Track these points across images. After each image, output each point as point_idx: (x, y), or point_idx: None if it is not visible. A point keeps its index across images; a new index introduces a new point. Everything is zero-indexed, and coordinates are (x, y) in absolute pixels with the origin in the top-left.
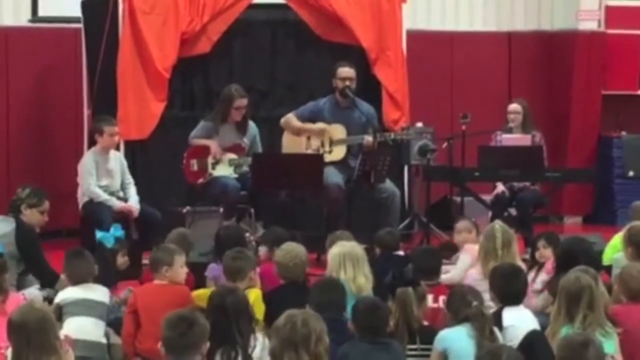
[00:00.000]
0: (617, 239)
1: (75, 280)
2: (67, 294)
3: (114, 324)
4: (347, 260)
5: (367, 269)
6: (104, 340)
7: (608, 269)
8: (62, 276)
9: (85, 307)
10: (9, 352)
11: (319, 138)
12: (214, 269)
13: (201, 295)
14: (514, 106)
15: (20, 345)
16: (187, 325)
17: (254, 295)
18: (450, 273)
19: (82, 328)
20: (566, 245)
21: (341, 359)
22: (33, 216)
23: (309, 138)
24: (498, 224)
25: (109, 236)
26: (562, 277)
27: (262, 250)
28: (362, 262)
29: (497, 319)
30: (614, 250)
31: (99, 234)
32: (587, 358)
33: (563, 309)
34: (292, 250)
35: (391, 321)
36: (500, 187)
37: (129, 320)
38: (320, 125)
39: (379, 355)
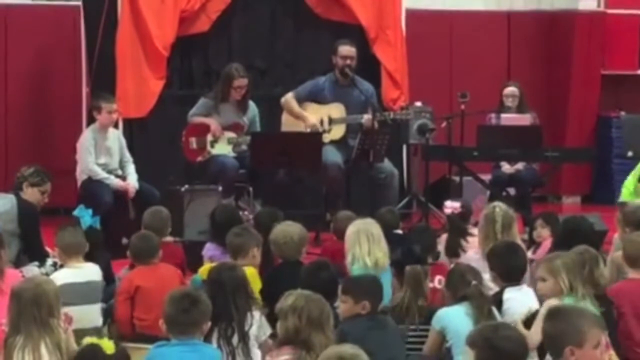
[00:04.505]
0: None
1: (68, 253)
2: (59, 279)
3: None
4: (362, 235)
5: (383, 245)
6: (99, 324)
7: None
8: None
9: (78, 296)
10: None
11: (318, 118)
12: (210, 249)
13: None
14: (512, 89)
15: (14, 316)
16: (190, 302)
17: (249, 273)
18: None
19: (77, 318)
20: (568, 224)
21: (340, 337)
22: (33, 195)
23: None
24: (499, 206)
25: (86, 216)
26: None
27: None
28: (377, 237)
29: (499, 300)
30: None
31: (78, 211)
32: None
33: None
34: (286, 229)
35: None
36: (505, 166)
37: (125, 307)
38: (313, 119)
39: (377, 331)
